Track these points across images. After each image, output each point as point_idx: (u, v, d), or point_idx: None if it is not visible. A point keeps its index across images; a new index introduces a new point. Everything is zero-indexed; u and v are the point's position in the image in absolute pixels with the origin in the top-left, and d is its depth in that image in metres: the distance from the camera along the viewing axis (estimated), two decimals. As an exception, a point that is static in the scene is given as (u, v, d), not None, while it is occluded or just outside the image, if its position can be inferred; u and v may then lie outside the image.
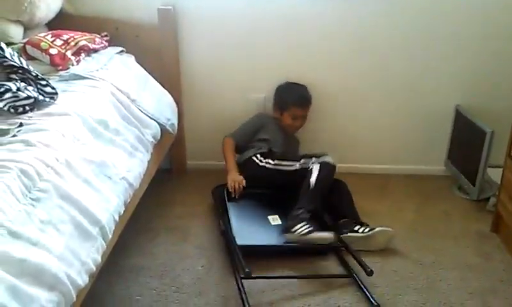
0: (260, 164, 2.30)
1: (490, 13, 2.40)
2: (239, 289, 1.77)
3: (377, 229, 2.04)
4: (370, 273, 1.79)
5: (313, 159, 2.22)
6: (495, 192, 2.27)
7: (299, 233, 1.98)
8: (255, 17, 2.47)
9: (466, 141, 2.48)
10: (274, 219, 2.16)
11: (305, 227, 1.99)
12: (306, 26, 2.46)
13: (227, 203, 2.20)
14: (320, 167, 2.17)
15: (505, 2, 2.37)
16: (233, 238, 1.95)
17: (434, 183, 2.62)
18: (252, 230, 2.10)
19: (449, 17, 2.43)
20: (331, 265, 1.99)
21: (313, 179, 2.14)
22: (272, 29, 2.48)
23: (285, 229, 2.04)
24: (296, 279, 1.88)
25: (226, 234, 2.04)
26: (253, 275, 1.72)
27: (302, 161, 2.25)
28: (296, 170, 2.24)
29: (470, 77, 2.53)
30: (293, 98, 2.45)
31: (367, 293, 1.80)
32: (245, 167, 2.34)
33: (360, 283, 1.84)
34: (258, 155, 2.32)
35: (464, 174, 2.48)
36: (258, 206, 2.26)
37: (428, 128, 2.61)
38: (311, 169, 2.18)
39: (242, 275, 1.77)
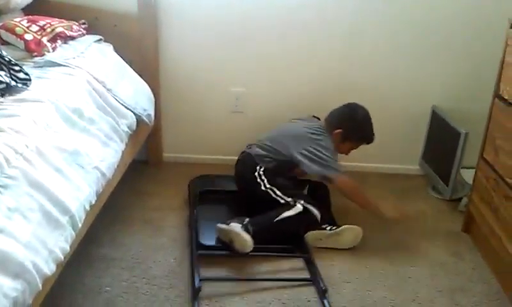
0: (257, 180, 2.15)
1: (467, 16, 2.44)
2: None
3: (344, 226, 2.05)
4: (324, 291, 1.77)
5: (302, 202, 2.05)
6: (467, 193, 2.31)
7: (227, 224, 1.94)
8: (236, 9, 2.46)
9: (441, 141, 2.52)
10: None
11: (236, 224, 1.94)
12: (288, 19, 2.45)
13: (196, 206, 2.18)
14: (301, 211, 2.03)
15: (482, 6, 2.41)
16: (196, 244, 1.94)
17: (409, 182, 2.66)
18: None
19: (426, 20, 2.46)
20: (296, 265, 1.97)
21: (285, 215, 2.01)
22: (254, 22, 2.48)
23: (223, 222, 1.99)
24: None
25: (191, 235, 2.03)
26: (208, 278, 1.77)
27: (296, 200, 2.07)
28: (282, 204, 2.08)
29: (446, 79, 2.57)
30: (369, 135, 2.26)
31: (318, 277, 1.83)
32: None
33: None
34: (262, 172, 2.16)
35: (438, 174, 2.52)
36: (229, 208, 2.24)
37: (404, 127, 2.65)
38: (292, 205, 2.04)
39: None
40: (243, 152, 2.29)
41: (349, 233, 2.05)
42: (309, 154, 2.11)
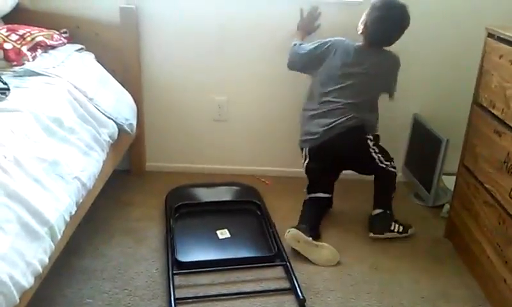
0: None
1: (447, 25, 2.48)
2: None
3: (325, 243, 2.06)
4: (302, 301, 1.77)
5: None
6: (449, 200, 2.33)
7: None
8: (218, 19, 2.46)
9: (423, 148, 2.55)
10: (223, 233, 2.13)
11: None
12: (269, 27, 2.46)
13: (172, 223, 2.13)
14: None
15: (462, 15, 2.46)
16: (172, 261, 1.91)
17: (392, 189, 2.68)
18: (197, 245, 2.08)
19: (408, 29, 2.49)
20: (277, 274, 1.95)
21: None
22: (236, 31, 2.48)
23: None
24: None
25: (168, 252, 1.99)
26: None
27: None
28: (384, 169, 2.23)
29: (428, 87, 2.60)
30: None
31: (296, 283, 1.83)
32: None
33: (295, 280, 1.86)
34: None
35: (420, 181, 2.55)
36: (207, 221, 2.22)
37: (386, 135, 2.64)
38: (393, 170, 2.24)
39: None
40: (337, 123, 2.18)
41: (327, 251, 2.03)
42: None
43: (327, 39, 2.26)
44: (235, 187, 2.50)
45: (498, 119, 1.85)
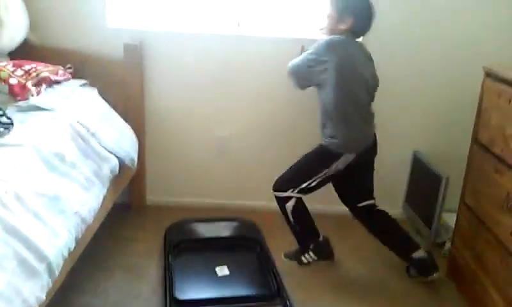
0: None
1: (447, 62, 2.52)
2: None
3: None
4: None
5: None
6: (450, 237, 2.32)
7: None
8: (220, 57, 2.51)
9: (423, 185, 2.55)
10: (222, 270, 2.11)
11: None
12: (269, 64, 2.50)
13: (170, 259, 2.11)
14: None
15: (462, 52, 2.50)
16: (170, 299, 1.89)
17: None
18: (196, 283, 2.05)
19: (408, 66, 2.53)
20: None
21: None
22: (236, 68, 2.53)
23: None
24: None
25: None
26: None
27: None
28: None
29: (427, 124, 2.63)
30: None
31: None
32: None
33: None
34: None
35: (421, 218, 2.53)
36: (206, 257, 2.20)
37: (387, 171, 2.67)
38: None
39: None
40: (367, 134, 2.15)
41: None
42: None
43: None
44: (235, 223, 2.49)
45: (497, 158, 1.86)
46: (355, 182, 2.23)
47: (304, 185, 2.12)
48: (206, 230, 2.39)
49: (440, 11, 2.45)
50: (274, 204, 2.55)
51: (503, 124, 1.82)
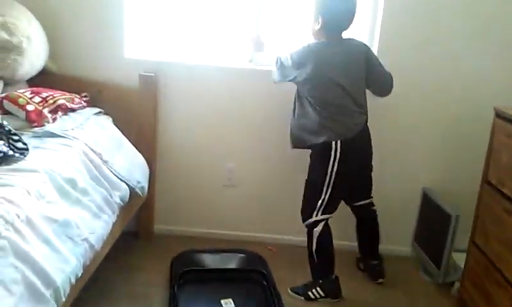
0: None
1: (456, 97, 2.53)
2: None
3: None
4: None
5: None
6: (459, 277, 2.28)
7: None
8: (232, 90, 2.56)
9: (433, 223, 2.53)
10: (227, 303, 2.09)
11: None
12: (279, 99, 2.49)
13: (176, 289, 2.09)
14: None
15: (473, 91, 2.51)
16: None
17: (400, 263, 2.62)
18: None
19: (419, 103, 2.55)
20: None
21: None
22: (248, 103, 2.57)
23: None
24: None
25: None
26: None
27: None
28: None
29: (437, 160, 2.62)
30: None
31: None
32: None
33: None
34: None
35: (429, 256, 2.50)
36: (212, 289, 2.19)
37: (395, 209, 2.66)
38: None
39: None
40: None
41: None
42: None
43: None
44: (241, 255, 2.47)
45: (508, 198, 1.85)
46: (355, 180, 2.28)
47: (320, 202, 2.16)
48: (212, 261, 2.38)
49: (452, 49, 2.48)
50: (282, 237, 2.56)
51: (513, 164, 1.82)
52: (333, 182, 2.13)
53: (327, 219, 2.20)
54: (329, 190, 2.14)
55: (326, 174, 2.12)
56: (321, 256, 2.21)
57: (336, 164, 2.10)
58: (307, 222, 2.21)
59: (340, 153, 2.09)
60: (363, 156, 2.27)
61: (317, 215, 2.17)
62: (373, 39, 2.53)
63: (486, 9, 2.43)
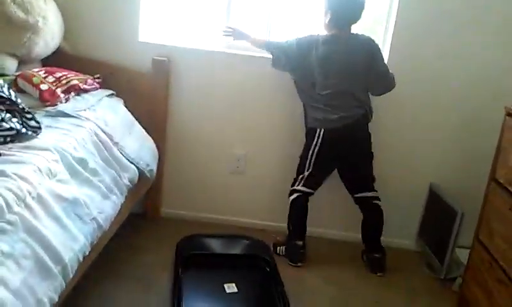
0: None
1: (464, 97, 2.53)
2: None
3: None
4: None
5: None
6: (461, 273, 2.29)
7: None
8: (244, 77, 2.57)
9: (438, 219, 2.53)
10: (230, 287, 2.12)
11: None
12: (290, 86, 2.49)
13: (180, 272, 2.12)
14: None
15: (485, 89, 2.51)
16: None
17: (404, 257, 2.65)
18: (204, 298, 2.07)
19: (430, 100, 2.54)
20: None
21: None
22: (260, 90, 2.58)
23: None
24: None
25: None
26: None
27: None
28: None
29: (446, 156, 2.63)
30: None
31: None
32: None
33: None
34: None
35: (433, 251, 2.51)
36: (215, 273, 2.23)
37: (402, 203, 2.67)
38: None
39: None
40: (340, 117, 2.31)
41: None
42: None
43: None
44: (246, 241, 2.50)
45: (514, 197, 1.85)
46: (350, 172, 2.45)
47: (301, 176, 2.41)
48: (217, 246, 2.41)
49: (465, 47, 2.47)
50: (286, 225, 2.57)
51: (521, 164, 1.82)
52: (314, 163, 2.37)
53: (307, 193, 2.41)
54: (310, 168, 2.38)
55: (308, 155, 2.37)
56: (292, 222, 2.47)
57: (317, 148, 2.34)
58: (290, 189, 2.46)
59: (322, 139, 2.32)
60: (350, 146, 2.37)
61: (298, 185, 2.41)
62: (386, 34, 2.52)
63: (500, 9, 2.41)
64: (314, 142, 2.34)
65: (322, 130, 2.31)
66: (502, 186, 1.97)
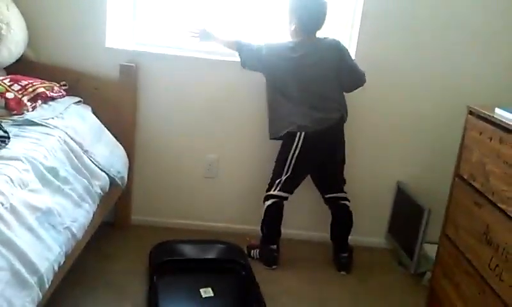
0: None
1: (431, 96, 2.62)
2: None
3: None
4: None
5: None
6: (430, 267, 2.37)
7: None
8: (213, 82, 2.57)
9: (406, 216, 2.61)
10: (206, 292, 2.12)
11: None
12: (260, 91, 2.51)
13: (155, 279, 2.11)
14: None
15: (448, 91, 2.60)
16: None
17: (375, 255, 2.71)
18: (179, 304, 2.07)
19: (394, 99, 2.62)
20: None
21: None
22: (230, 95, 2.59)
23: None
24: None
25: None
26: None
27: None
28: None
29: (412, 155, 2.70)
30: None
31: None
32: None
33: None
34: None
35: (403, 248, 2.59)
36: (191, 278, 2.22)
37: (371, 202, 2.73)
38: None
39: None
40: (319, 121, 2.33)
41: None
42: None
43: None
44: (220, 245, 2.50)
45: (478, 191, 1.93)
46: (324, 172, 2.49)
47: (278, 180, 2.39)
48: (191, 251, 2.40)
49: (429, 47, 2.55)
50: (259, 228, 2.59)
51: (483, 160, 1.91)
52: (293, 167, 2.35)
53: (282, 198, 2.41)
54: (289, 172, 2.37)
55: (287, 158, 2.35)
56: (266, 226, 2.46)
57: (297, 152, 2.32)
58: (266, 194, 2.44)
59: (302, 143, 2.31)
60: (329, 148, 2.41)
61: (274, 191, 2.40)
62: (351, 38, 2.59)
63: (463, 5, 2.51)
64: (294, 146, 2.31)
65: (303, 133, 2.30)
66: (466, 182, 2.05)
